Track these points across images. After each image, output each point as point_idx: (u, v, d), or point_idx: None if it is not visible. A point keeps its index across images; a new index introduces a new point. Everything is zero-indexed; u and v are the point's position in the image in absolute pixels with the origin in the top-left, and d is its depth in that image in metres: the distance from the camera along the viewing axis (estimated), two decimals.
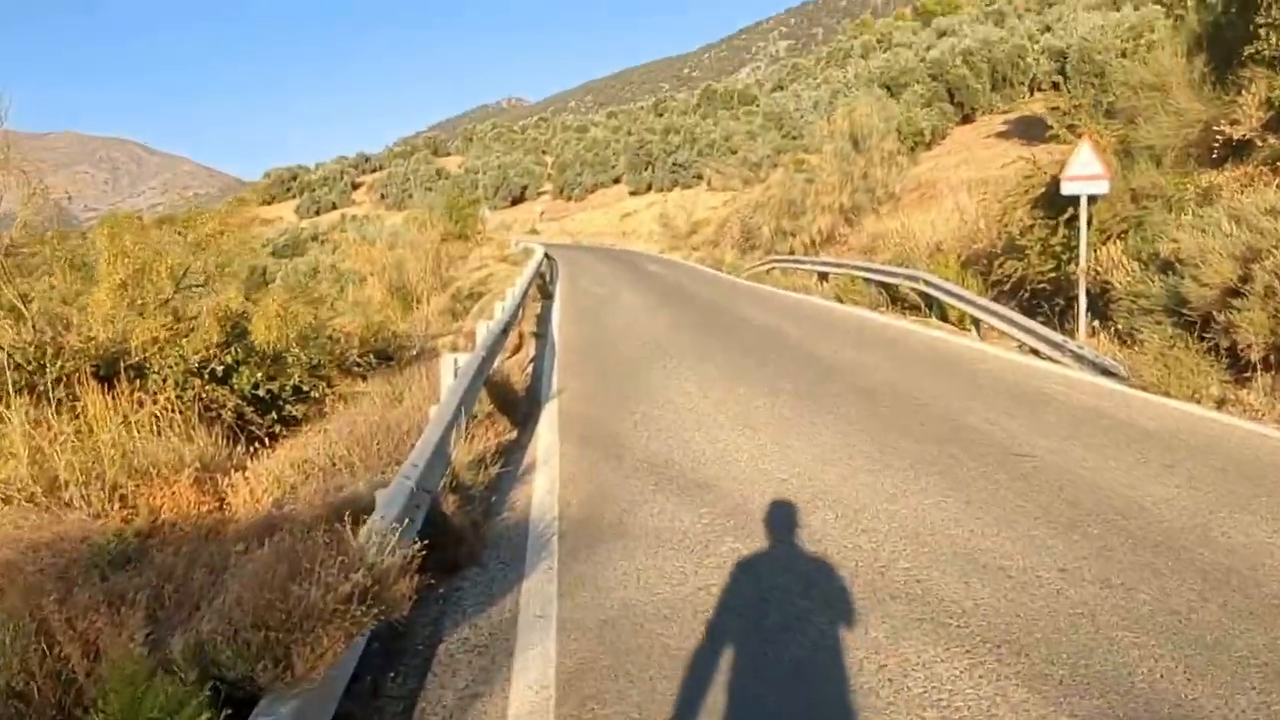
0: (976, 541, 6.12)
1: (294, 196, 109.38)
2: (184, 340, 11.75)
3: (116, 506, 8.39)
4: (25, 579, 5.25)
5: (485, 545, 6.49)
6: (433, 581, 5.00)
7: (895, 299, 20.15)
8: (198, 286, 13.08)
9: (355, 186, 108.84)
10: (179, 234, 12.68)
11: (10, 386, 10.09)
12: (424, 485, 6.06)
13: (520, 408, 11.33)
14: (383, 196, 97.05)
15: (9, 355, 11.33)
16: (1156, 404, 10.24)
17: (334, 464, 9.40)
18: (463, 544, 6.19)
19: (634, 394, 11.53)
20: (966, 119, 45.20)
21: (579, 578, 5.83)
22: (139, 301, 11.51)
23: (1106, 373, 11.95)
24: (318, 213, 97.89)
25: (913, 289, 18.97)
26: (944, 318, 17.86)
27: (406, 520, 4.52)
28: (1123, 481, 7.33)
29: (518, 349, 17.55)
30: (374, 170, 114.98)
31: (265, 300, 12.55)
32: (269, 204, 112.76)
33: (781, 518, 6.75)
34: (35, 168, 12.51)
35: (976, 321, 16.13)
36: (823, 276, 25.28)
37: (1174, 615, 5.00)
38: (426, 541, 4.62)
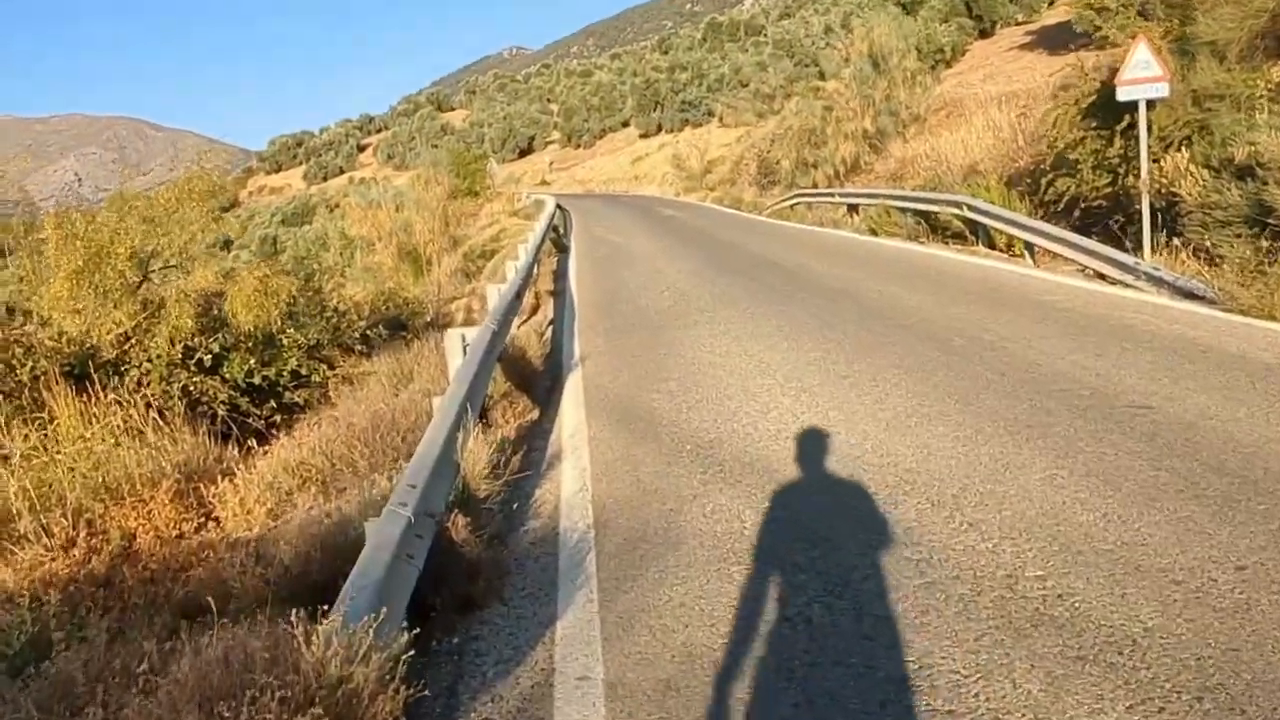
0: (1116, 532, 4.89)
1: (300, 163, 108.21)
2: (158, 328, 10.61)
3: (83, 534, 7.27)
4: None
5: (507, 573, 5.30)
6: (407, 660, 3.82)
7: (935, 228, 18.78)
8: (169, 268, 11.89)
9: (361, 149, 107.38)
10: (134, 209, 11.46)
11: None
12: (426, 508, 4.89)
13: (541, 382, 10.14)
14: (389, 157, 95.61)
15: None
16: (1262, 330, 8.95)
17: (333, 464, 8.27)
18: (479, 576, 5.00)
19: (664, 357, 10.31)
20: (984, 34, 43.26)
21: (626, 614, 4.64)
22: (102, 289, 10.33)
23: (1190, 296, 10.66)
24: (325, 178, 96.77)
25: (955, 215, 17.60)
26: (991, 245, 16.53)
27: (384, 608, 3.27)
28: (1267, 434, 6.08)
29: (535, 310, 16.39)
30: (378, 131, 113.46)
31: (243, 276, 11.33)
32: (276, 172, 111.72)
33: (865, 511, 5.53)
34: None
35: (1029, 246, 14.79)
36: (853, 209, 23.89)
37: None
38: (412, 631, 3.43)
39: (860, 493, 5.82)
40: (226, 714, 2.52)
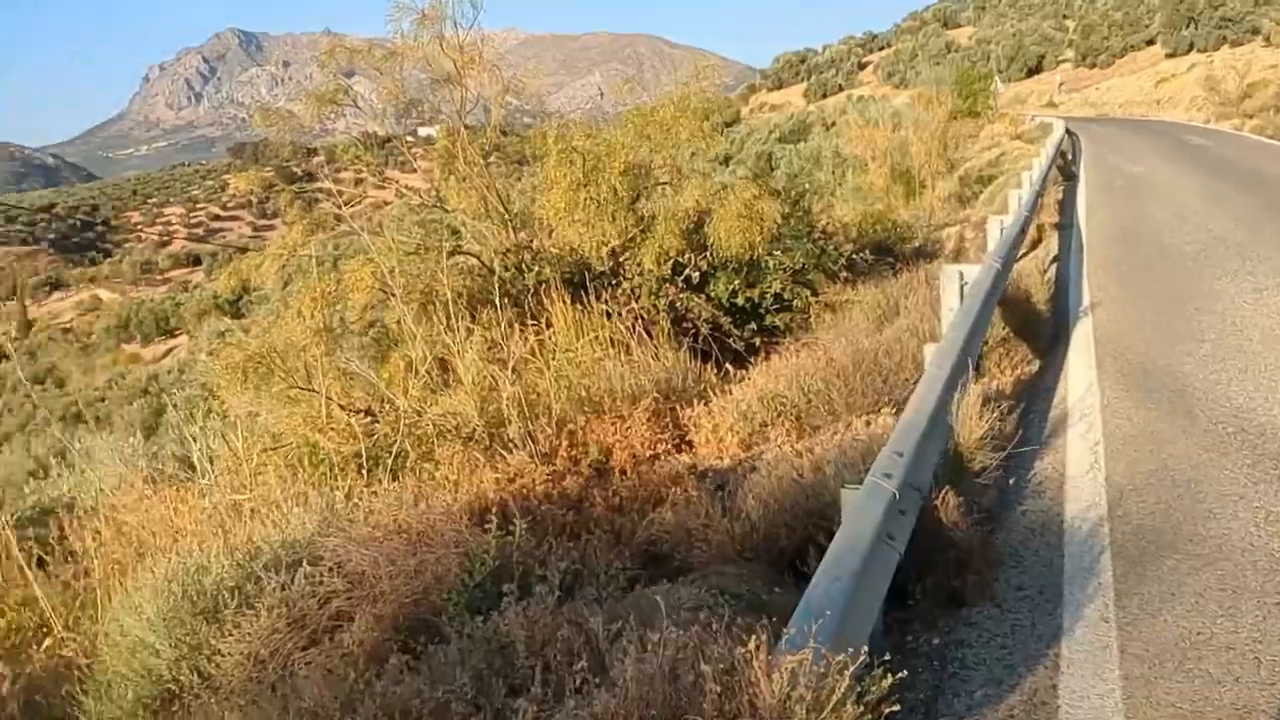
0: None
1: (801, 80, 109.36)
2: (646, 244, 10.71)
3: (564, 446, 7.36)
4: (375, 613, 4.15)
5: (1000, 564, 4.53)
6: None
7: None
8: (661, 184, 11.91)
9: (862, 67, 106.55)
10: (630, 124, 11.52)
11: (464, 302, 9.47)
12: (912, 480, 4.24)
13: (1043, 328, 9.07)
14: (889, 75, 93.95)
15: (486, 263, 10.87)
16: None
17: (809, 400, 7.84)
18: (968, 567, 4.29)
19: (1195, 311, 8.82)
20: None
21: (1154, 648, 3.73)
22: (598, 202, 10.49)
23: None
24: (824, 95, 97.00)
25: None
26: None
27: (865, 646, 2.67)
28: None
29: (1036, 243, 15.00)
30: (881, 48, 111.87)
31: (729, 200, 11.06)
32: (777, 89, 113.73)
33: None
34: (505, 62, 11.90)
35: None
36: None
37: None
38: (898, 674, 2.76)
39: None
40: None
